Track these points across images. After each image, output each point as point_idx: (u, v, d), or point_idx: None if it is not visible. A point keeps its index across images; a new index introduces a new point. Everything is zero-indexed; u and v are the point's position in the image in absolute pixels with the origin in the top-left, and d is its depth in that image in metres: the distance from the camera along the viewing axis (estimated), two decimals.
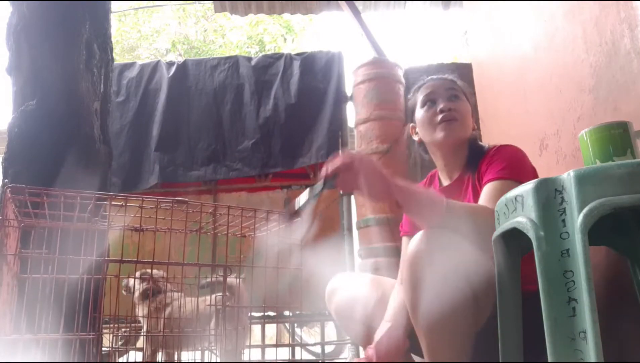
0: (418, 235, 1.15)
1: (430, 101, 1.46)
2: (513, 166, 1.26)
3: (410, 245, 1.15)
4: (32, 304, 1.25)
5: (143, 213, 1.39)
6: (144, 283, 2.00)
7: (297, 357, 3.00)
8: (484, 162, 1.35)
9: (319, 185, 1.15)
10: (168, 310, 1.89)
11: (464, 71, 3.22)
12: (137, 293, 2.04)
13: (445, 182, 1.48)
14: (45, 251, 1.26)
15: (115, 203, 1.31)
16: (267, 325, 3.43)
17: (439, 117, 1.42)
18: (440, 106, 1.43)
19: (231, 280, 1.73)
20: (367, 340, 1.39)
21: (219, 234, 1.53)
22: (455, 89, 1.48)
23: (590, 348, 0.72)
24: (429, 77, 1.53)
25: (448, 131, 1.41)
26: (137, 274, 1.98)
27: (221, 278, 1.53)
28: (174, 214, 1.40)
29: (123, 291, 2.07)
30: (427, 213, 1.14)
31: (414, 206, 1.16)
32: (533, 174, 1.32)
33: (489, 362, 1.10)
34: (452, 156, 1.45)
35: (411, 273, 1.14)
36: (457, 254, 1.12)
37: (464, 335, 1.13)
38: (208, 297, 1.72)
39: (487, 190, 1.25)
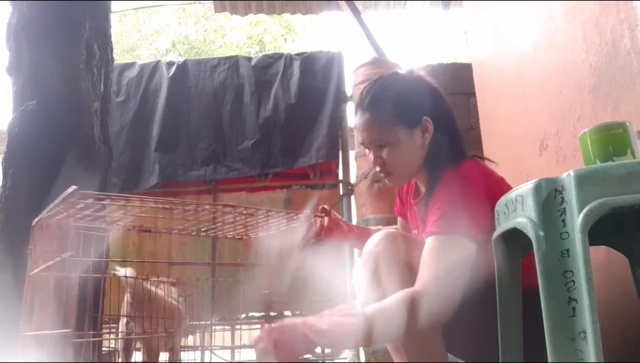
0: (375, 236, 1.21)
1: (365, 148, 1.34)
2: (452, 215, 1.12)
3: (366, 246, 1.22)
4: (34, 303, 1.25)
5: (146, 213, 1.38)
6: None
7: None
8: (435, 191, 1.22)
9: None
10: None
11: (464, 71, 3.22)
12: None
13: (420, 190, 1.39)
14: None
15: (131, 204, 1.30)
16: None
17: (377, 169, 1.31)
18: (372, 161, 1.31)
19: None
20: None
21: (219, 235, 1.53)
22: (378, 136, 1.26)
23: (590, 348, 0.72)
24: (355, 106, 1.35)
25: (390, 182, 1.33)
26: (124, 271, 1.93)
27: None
28: (176, 215, 1.40)
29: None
30: (352, 343, 1.10)
31: (336, 345, 1.11)
32: (482, 207, 1.13)
33: (489, 362, 1.10)
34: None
35: (366, 271, 1.21)
36: (410, 253, 1.17)
37: (430, 330, 1.15)
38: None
39: (425, 250, 1.14)
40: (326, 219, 1.44)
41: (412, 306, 1.03)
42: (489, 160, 1.35)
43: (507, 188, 1.25)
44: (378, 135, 1.26)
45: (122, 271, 1.70)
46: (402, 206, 1.54)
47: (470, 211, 1.11)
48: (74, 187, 1.09)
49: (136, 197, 1.20)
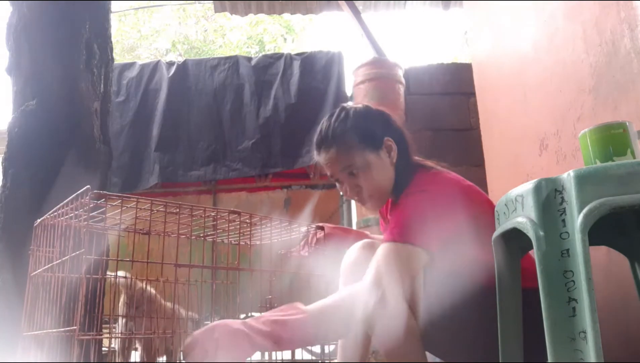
0: (351, 248, 1.32)
1: (335, 181, 1.37)
2: (409, 226, 1.15)
3: (345, 258, 1.32)
4: (35, 303, 1.25)
5: (144, 215, 1.38)
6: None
7: (297, 357, 3.00)
8: (400, 199, 1.26)
9: None
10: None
11: (464, 71, 3.22)
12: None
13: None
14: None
15: (128, 205, 1.30)
16: None
17: (355, 198, 1.36)
18: (346, 191, 1.34)
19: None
20: None
21: (219, 239, 1.53)
22: (350, 163, 1.29)
23: (590, 348, 0.71)
24: (316, 145, 1.35)
25: (370, 206, 1.37)
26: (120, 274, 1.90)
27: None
28: (182, 218, 1.40)
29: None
30: (296, 342, 1.10)
31: (281, 344, 1.05)
32: (444, 218, 1.15)
33: (489, 362, 1.10)
34: None
35: (344, 280, 1.31)
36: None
37: (410, 335, 1.15)
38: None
39: (377, 253, 1.16)
40: (321, 233, 1.52)
41: (353, 305, 1.08)
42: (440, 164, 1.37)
43: (476, 191, 1.30)
44: (350, 162, 1.29)
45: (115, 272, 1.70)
46: (385, 223, 1.57)
47: (428, 221, 1.14)
48: (86, 187, 1.10)
49: (146, 199, 1.21)
